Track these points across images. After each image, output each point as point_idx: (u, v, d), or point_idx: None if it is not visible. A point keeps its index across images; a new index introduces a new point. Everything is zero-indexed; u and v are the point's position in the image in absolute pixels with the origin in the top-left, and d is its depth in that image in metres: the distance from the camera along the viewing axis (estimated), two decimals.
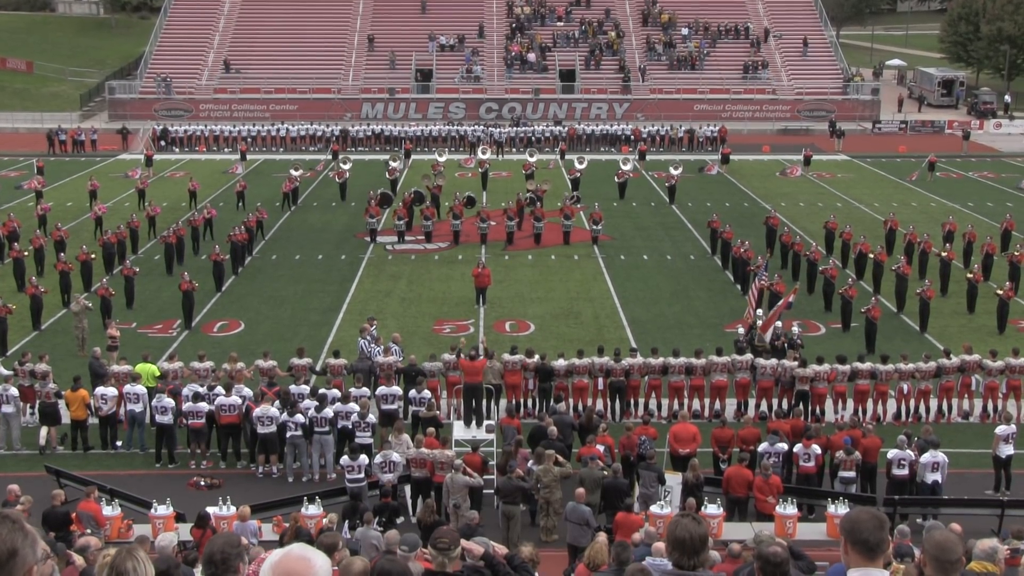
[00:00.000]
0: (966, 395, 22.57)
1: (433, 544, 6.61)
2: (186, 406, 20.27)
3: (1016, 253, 31.30)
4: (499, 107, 65.14)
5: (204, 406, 20.17)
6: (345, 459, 17.91)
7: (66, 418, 21.05)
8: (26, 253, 31.90)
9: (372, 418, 19.97)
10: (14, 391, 20.90)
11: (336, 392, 20.68)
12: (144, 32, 78.48)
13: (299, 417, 19.54)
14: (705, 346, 23.58)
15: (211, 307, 30.15)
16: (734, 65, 68.13)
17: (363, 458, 17.83)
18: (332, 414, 19.75)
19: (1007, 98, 71.99)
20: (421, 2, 72.67)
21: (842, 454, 18.12)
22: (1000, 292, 28.07)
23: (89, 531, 14.90)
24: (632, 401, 22.31)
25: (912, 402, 22.37)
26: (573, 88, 66.31)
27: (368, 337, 23.18)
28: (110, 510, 16.42)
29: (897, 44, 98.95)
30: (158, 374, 21.68)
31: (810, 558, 11.25)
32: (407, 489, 18.22)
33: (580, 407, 21.61)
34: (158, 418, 20.30)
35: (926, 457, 17.76)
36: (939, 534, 5.41)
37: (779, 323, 24.53)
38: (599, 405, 22.11)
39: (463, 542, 7.03)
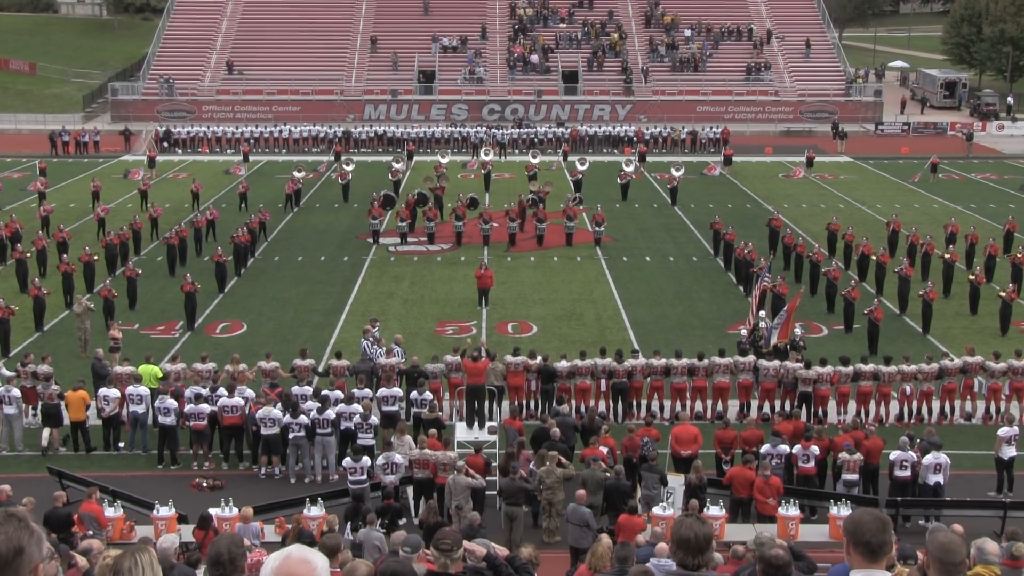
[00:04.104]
0: (968, 397, 22.56)
1: (436, 545, 6.62)
2: (188, 407, 20.27)
3: (1018, 255, 31.26)
4: (502, 108, 65.17)
5: (206, 407, 20.18)
6: (347, 460, 17.91)
7: (68, 419, 21.06)
8: (29, 254, 31.93)
9: (374, 419, 19.99)
10: (16, 392, 20.92)
11: (338, 393, 20.68)
12: (147, 33, 78.58)
13: (302, 418, 19.55)
14: (707, 347, 23.59)
15: (213, 308, 30.17)
16: (737, 66, 68.14)
17: (365, 459, 17.82)
18: (334, 415, 19.76)
19: (1009, 99, 71.96)
20: (424, 3, 72.72)
21: (845, 455, 18.11)
22: (1003, 294, 28.07)
23: (91, 532, 14.93)
24: (635, 402, 22.32)
25: (915, 404, 22.36)
26: (576, 89, 66.33)
27: (370, 338, 23.19)
28: (112, 511, 16.41)
29: (900, 46, 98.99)
30: (160, 375, 21.69)
31: (811, 559, 11.25)
32: (409, 490, 18.21)
33: (583, 408, 21.63)
34: (161, 419, 20.31)
35: (928, 459, 17.75)
36: (943, 536, 5.41)
37: (777, 322, 24.50)
38: (601, 406, 22.13)
39: (465, 543, 7.04)
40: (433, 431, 18.85)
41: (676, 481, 17.43)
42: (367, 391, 21.08)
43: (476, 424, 20.60)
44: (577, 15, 72.45)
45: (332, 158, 52.94)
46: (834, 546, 15.63)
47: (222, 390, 20.51)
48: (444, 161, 47.97)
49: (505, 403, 21.95)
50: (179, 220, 37.92)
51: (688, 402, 22.29)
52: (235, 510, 15.97)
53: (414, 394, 20.80)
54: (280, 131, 58.78)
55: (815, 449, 18.37)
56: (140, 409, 20.80)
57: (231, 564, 4.97)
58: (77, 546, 11.81)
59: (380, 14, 72.22)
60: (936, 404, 22.50)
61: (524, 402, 22.23)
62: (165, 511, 16.32)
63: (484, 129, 59.06)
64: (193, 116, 63.98)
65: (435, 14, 72.09)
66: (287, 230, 39.80)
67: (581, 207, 40.47)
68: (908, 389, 22.23)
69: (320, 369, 22.85)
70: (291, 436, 19.65)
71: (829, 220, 36.44)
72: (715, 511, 16.33)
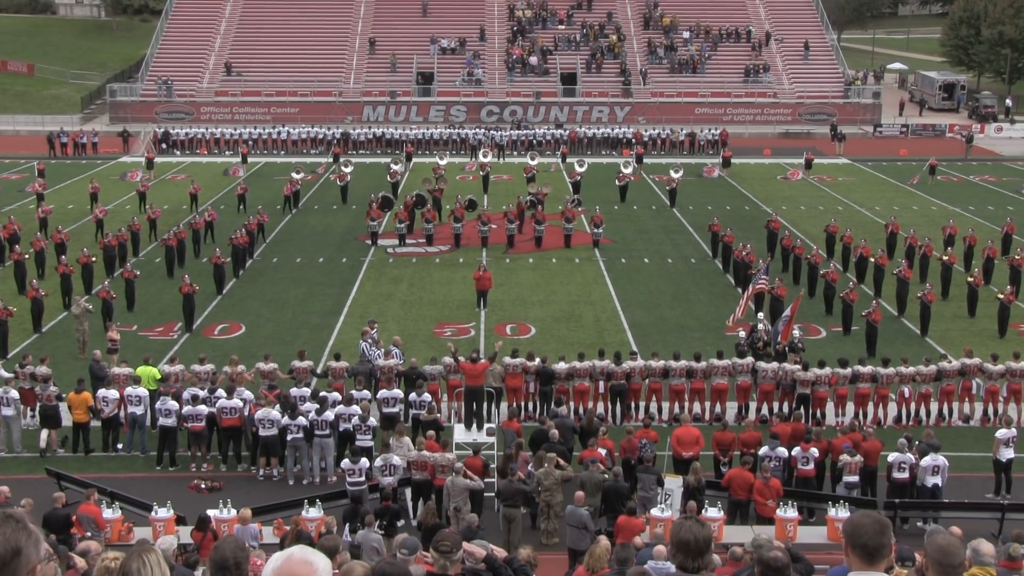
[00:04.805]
0: (967, 399, 22.56)
1: (435, 547, 6.62)
2: (185, 409, 20.23)
3: (1017, 257, 31.29)
4: (500, 110, 65.18)
5: (203, 409, 20.15)
6: (346, 462, 17.92)
7: (67, 420, 21.04)
8: (27, 256, 31.91)
9: (373, 421, 19.98)
10: (14, 394, 20.89)
11: (337, 395, 20.68)
12: (145, 35, 78.60)
13: (301, 420, 19.54)
14: (706, 349, 23.60)
15: (212, 310, 30.15)
16: (735, 68, 68.18)
17: (364, 461, 17.83)
18: (333, 417, 19.74)
19: (1008, 102, 72.02)
20: (422, 5, 72.75)
21: (846, 457, 18.11)
22: (1001, 296, 28.09)
23: (89, 534, 14.91)
24: (633, 404, 22.31)
25: (913, 405, 22.36)
26: (574, 91, 66.35)
27: (369, 340, 23.18)
28: (110, 513, 16.41)
29: (898, 48, 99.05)
30: (159, 377, 21.67)
31: (808, 561, 11.24)
32: (408, 492, 18.21)
33: (581, 410, 21.61)
34: (161, 420, 20.29)
35: (926, 460, 17.75)
36: (941, 538, 5.41)
37: (780, 326, 24.53)
38: (600, 408, 22.12)
39: (465, 544, 7.04)
40: (431, 433, 18.83)
41: (674, 483, 17.43)
42: (366, 392, 21.07)
43: (474, 426, 20.60)
44: (576, 17, 72.47)
45: (331, 160, 52.98)
46: (832, 548, 15.64)
47: (221, 391, 20.49)
48: (442, 163, 47.96)
49: (503, 405, 21.94)
50: (177, 222, 37.89)
51: (686, 404, 22.27)
52: (233, 511, 15.98)
53: (413, 396, 20.80)
54: (279, 132, 58.79)
55: (815, 451, 18.38)
56: (139, 410, 20.78)
57: (236, 569, 4.97)
58: (75, 547, 11.81)
59: (379, 16, 72.23)
60: (934, 406, 22.50)
61: (522, 404, 22.21)
62: (163, 512, 16.32)
63: (483, 131, 59.09)
64: (191, 118, 63.97)
65: (433, 16, 72.11)
66: (285, 231, 39.79)
67: (580, 209, 40.48)
68: (906, 391, 22.24)
69: (319, 371, 22.83)
70: (289, 438, 19.63)
71: (828, 222, 36.43)
72: (713, 513, 16.33)
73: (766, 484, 17.25)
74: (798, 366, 21.96)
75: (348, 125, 61.42)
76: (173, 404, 20.21)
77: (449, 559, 6.53)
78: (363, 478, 17.61)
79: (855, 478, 18.12)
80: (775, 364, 22.24)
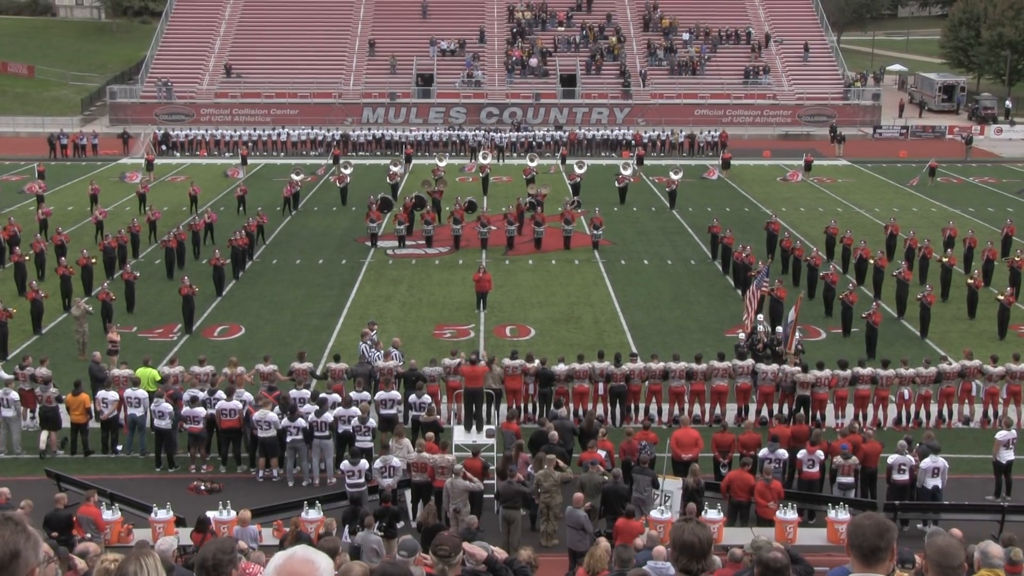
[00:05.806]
0: (967, 400, 22.56)
1: (434, 551, 6.61)
2: (184, 410, 20.23)
3: (1016, 258, 31.27)
4: (500, 112, 65.19)
5: (201, 411, 20.12)
6: (345, 463, 17.91)
7: (66, 422, 21.03)
8: (27, 257, 31.90)
9: (372, 422, 19.96)
10: (14, 395, 20.87)
11: (336, 396, 20.65)
12: (145, 36, 78.60)
13: (300, 421, 19.53)
14: (706, 351, 23.59)
15: (211, 311, 30.14)
16: (735, 70, 68.19)
17: (363, 463, 17.82)
18: (332, 418, 19.73)
19: (1008, 103, 72.06)
20: (422, 7, 72.77)
21: (840, 459, 18.13)
22: (1001, 297, 28.08)
23: (88, 535, 14.90)
24: (632, 406, 22.29)
25: (913, 407, 22.36)
26: (574, 93, 66.36)
27: (368, 341, 23.18)
28: (110, 514, 16.41)
29: (898, 49, 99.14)
30: (159, 378, 21.65)
31: (808, 562, 11.23)
32: (407, 494, 18.20)
33: (580, 412, 21.61)
34: (156, 423, 20.28)
35: (926, 462, 17.76)
36: (941, 540, 5.41)
37: (779, 328, 24.52)
38: (599, 410, 22.12)
39: (465, 545, 7.04)
40: (431, 434, 18.83)
41: (674, 484, 17.43)
42: (365, 394, 21.05)
43: (474, 427, 20.60)
44: (575, 18, 72.48)
45: (330, 161, 52.97)
46: (832, 550, 15.66)
47: (220, 393, 20.49)
48: (442, 164, 47.95)
49: (503, 406, 21.92)
50: (177, 223, 37.90)
51: (686, 406, 22.26)
52: (233, 513, 15.97)
53: (412, 397, 20.78)
54: (278, 134, 58.81)
55: (820, 454, 18.38)
56: (138, 412, 20.76)
57: (215, 570, 4.96)
58: (75, 549, 11.80)
59: (378, 17, 72.25)
60: (934, 408, 22.50)
61: (522, 405, 22.18)
62: (163, 514, 16.32)
63: (482, 132, 59.08)
64: (191, 119, 63.99)
65: (433, 18, 72.12)
66: (285, 233, 39.78)
67: (579, 210, 40.45)
68: (906, 393, 22.23)
69: (318, 372, 22.82)
70: (289, 439, 19.62)
71: (827, 223, 36.42)
72: (713, 515, 16.32)
73: (767, 486, 17.25)
74: (798, 368, 21.95)
75: (348, 127, 61.44)
76: (167, 406, 20.18)
77: (448, 563, 6.52)
78: (363, 480, 17.61)
79: (849, 479, 18.13)
80: (775, 366, 22.22)
